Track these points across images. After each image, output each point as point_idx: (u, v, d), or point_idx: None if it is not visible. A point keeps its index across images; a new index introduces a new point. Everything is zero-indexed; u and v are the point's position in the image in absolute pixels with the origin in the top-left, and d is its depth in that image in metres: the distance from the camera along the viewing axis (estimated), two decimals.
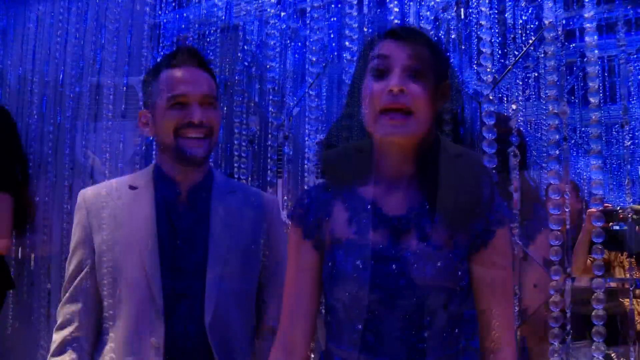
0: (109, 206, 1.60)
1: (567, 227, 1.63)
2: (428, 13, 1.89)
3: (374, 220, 1.22)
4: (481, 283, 1.24)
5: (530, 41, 1.76)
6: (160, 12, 2.91)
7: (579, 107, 3.64)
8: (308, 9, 2.16)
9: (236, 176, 2.27)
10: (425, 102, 1.19)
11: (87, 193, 1.65)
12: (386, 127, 1.18)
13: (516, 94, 2.02)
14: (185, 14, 2.92)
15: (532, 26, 2.27)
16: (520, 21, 2.31)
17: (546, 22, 1.68)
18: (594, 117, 1.59)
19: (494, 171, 1.63)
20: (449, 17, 2.19)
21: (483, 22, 1.79)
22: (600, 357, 1.52)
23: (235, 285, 1.60)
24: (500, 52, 2.04)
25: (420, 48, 1.20)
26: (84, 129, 3.18)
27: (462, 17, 2.33)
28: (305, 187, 1.59)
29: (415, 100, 1.17)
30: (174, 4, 2.88)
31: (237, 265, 1.60)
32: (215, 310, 1.54)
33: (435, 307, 1.17)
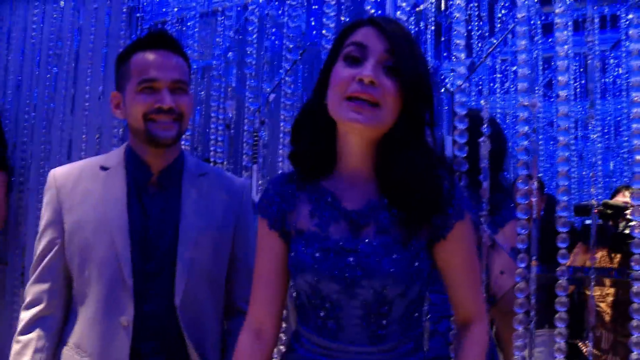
0: (80, 186, 1.58)
1: (534, 216, 1.67)
2: (404, 4, 1.91)
3: (334, 213, 1.23)
4: (446, 270, 1.28)
5: (501, 36, 1.79)
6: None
7: (556, 102, 3.68)
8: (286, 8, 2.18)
9: (212, 160, 2.28)
10: (394, 99, 1.16)
11: (57, 172, 1.63)
12: (349, 113, 1.15)
13: (492, 86, 2.06)
14: None
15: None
16: (500, 14, 2.34)
17: (518, 15, 1.72)
18: (561, 110, 1.63)
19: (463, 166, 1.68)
20: (427, 7, 2.22)
21: (457, 14, 1.82)
22: (562, 342, 1.57)
23: (206, 266, 1.60)
24: (479, 44, 2.07)
25: (399, 43, 1.16)
26: (62, 110, 3.15)
27: (441, 8, 2.36)
28: (272, 177, 1.59)
29: (384, 95, 1.15)
30: None
31: (208, 247, 1.61)
32: (185, 290, 1.55)
33: (393, 296, 1.18)
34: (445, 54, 1.95)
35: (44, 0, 3.37)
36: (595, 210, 1.64)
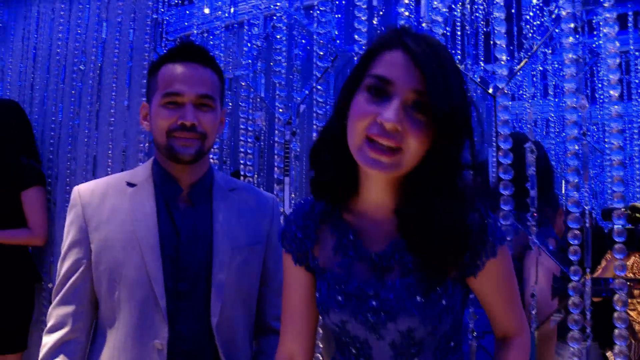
0: (107, 203, 1.52)
1: (587, 225, 1.57)
2: (440, 5, 1.83)
3: (356, 255, 1.16)
4: (481, 297, 1.20)
5: (540, 36, 1.71)
6: (163, 10, 2.85)
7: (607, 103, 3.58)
8: (315, 3, 2.11)
9: (242, 173, 2.21)
10: (420, 140, 1.03)
11: (81, 189, 1.57)
12: (368, 157, 1.04)
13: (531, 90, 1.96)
14: (188, 11, 2.87)
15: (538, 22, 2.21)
16: (528, 16, 2.25)
17: (563, 12, 1.62)
18: (614, 111, 1.53)
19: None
20: (461, 9, 2.13)
21: (497, 14, 1.73)
22: None
23: (239, 284, 1.54)
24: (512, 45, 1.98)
25: (433, 78, 1.01)
26: (87, 126, 3.12)
27: (471, 11, 2.28)
28: (294, 206, 1.50)
29: (408, 139, 1.02)
30: (177, 1, 2.82)
31: (240, 265, 1.55)
32: (222, 310, 1.49)
33: (422, 337, 1.11)
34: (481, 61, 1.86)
35: (69, 14, 3.36)
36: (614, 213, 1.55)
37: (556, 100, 2.75)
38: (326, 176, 1.16)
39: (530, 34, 1.89)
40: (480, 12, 2.10)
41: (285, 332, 1.29)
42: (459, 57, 1.88)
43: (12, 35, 3.78)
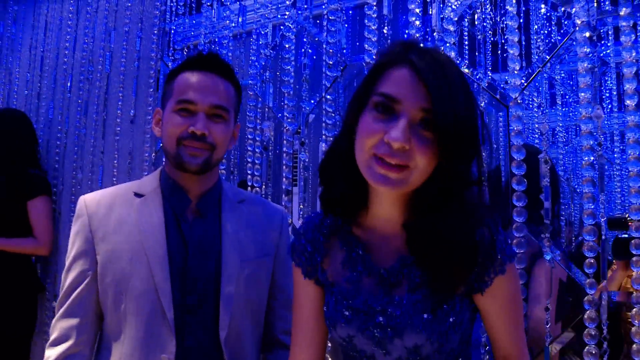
0: (114, 213, 1.50)
1: (603, 237, 1.53)
2: (452, 14, 1.81)
3: (365, 267, 1.15)
4: (485, 316, 1.16)
5: (553, 43, 1.68)
6: (170, 20, 2.84)
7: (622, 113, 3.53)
8: (325, 13, 2.09)
9: (249, 184, 2.18)
10: (428, 158, 1.02)
11: (88, 198, 1.54)
12: (376, 174, 1.03)
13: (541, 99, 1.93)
14: (194, 21, 2.86)
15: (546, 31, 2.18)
16: (536, 26, 2.22)
17: (578, 21, 1.60)
18: (631, 121, 1.50)
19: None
20: (469, 19, 2.11)
21: (510, 22, 1.71)
22: None
23: (247, 297, 1.51)
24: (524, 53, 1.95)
25: (440, 94, 1.00)
26: (93, 136, 3.11)
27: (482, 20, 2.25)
28: (304, 219, 1.47)
29: (416, 156, 1.02)
30: (184, 10, 2.81)
31: (249, 277, 1.52)
32: (230, 323, 1.46)
33: (428, 353, 1.09)
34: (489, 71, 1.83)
35: (76, 24, 3.36)
36: (630, 223, 1.51)
37: (564, 109, 2.71)
38: (335, 191, 1.16)
39: (539, 45, 1.87)
40: (488, 21, 2.08)
41: (295, 344, 1.27)
42: (465, 67, 1.85)
43: (20, 44, 3.79)
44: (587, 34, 1.54)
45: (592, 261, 1.50)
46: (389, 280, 1.12)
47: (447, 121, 0.99)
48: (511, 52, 1.68)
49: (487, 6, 2.09)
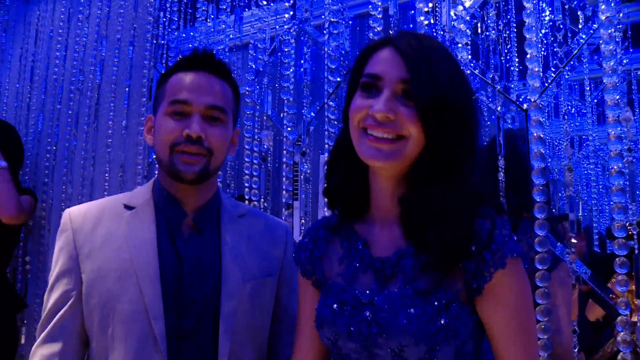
0: (101, 228, 1.37)
1: (636, 252, 1.40)
2: (464, 12, 1.69)
3: (363, 262, 1.11)
4: (488, 327, 1.03)
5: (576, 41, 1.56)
6: (164, 31, 2.74)
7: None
8: (325, 19, 1.97)
9: (247, 197, 2.05)
10: (418, 127, 1.03)
11: (73, 212, 1.41)
12: (369, 150, 1.05)
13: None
14: (191, 33, 2.76)
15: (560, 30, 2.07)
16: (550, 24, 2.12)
17: (602, 17, 1.48)
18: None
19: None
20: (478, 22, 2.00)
21: (527, 20, 1.59)
22: None
23: (249, 321, 1.37)
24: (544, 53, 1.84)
25: (417, 67, 1.03)
26: (83, 148, 2.99)
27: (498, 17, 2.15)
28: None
29: (404, 125, 1.03)
30: (177, 17, 2.71)
31: (251, 299, 1.38)
32: (231, 349, 1.32)
33: (416, 359, 1.00)
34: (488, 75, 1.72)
35: (67, 32, 3.26)
36: (630, 232, 1.41)
37: (578, 118, 2.63)
38: (337, 185, 1.18)
39: (554, 49, 1.76)
40: (496, 24, 1.98)
41: (296, 351, 1.25)
42: (475, 69, 1.73)
43: (10, 55, 3.70)
44: (610, 31, 1.42)
45: (624, 278, 1.37)
46: (383, 272, 1.07)
47: (424, 88, 1.02)
48: (529, 51, 1.56)
49: (490, 15, 1.99)
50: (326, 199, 1.21)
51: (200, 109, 1.34)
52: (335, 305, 1.09)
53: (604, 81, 1.47)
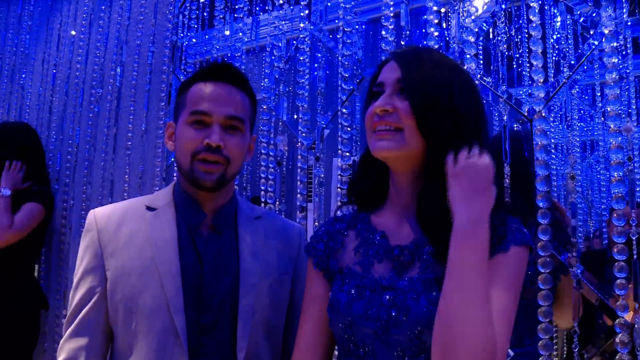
0: (124, 227, 1.44)
1: (635, 256, 1.46)
2: (472, 25, 1.75)
3: (379, 251, 1.17)
4: None
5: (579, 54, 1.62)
6: (182, 34, 2.81)
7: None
8: (340, 24, 2.04)
9: (263, 200, 2.12)
10: (413, 119, 1.13)
11: (98, 213, 1.48)
12: (375, 143, 1.16)
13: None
14: (207, 36, 2.83)
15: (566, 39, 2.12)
16: (555, 35, 2.16)
17: (605, 30, 1.54)
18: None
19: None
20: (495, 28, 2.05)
21: (533, 33, 1.65)
22: None
23: (266, 318, 1.44)
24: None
25: (409, 66, 1.17)
26: (104, 150, 3.07)
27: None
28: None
29: (401, 117, 1.14)
30: (196, 24, 2.78)
31: (268, 297, 1.44)
32: (249, 344, 1.38)
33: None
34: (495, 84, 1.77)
35: (88, 38, 3.34)
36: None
37: (580, 124, 2.66)
38: (360, 181, 1.29)
39: (557, 59, 1.82)
40: (502, 35, 2.03)
41: (298, 349, 1.25)
42: (481, 77, 1.79)
43: (33, 59, 3.78)
44: (613, 44, 1.48)
45: (623, 282, 1.43)
46: (400, 259, 1.14)
47: (413, 83, 1.14)
48: (535, 63, 1.62)
49: (501, 21, 2.04)
50: (347, 192, 1.32)
51: (219, 119, 1.41)
52: (353, 291, 1.13)
53: (606, 92, 1.53)
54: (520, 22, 2.37)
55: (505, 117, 1.72)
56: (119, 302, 1.39)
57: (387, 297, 1.09)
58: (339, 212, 1.36)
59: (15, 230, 2.81)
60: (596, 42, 1.58)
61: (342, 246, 1.24)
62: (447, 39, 1.90)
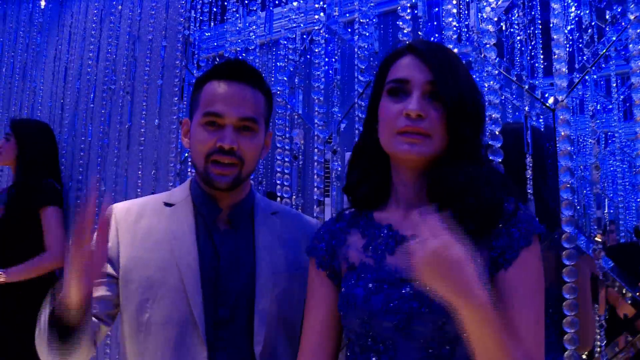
0: (143, 221, 1.45)
1: None
2: (492, 13, 1.72)
3: (390, 244, 1.15)
4: (503, 304, 1.04)
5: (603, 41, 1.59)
6: (195, 28, 2.79)
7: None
8: (356, 15, 2.01)
9: (279, 194, 2.10)
10: (442, 127, 1.13)
11: (117, 207, 1.48)
12: (402, 145, 1.12)
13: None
14: (220, 30, 2.80)
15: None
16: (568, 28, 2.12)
17: (631, 17, 1.50)
18: None
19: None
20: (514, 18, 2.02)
21: (555, 21, 1.61)
22: None
23: (283, 313, 1.43)
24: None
25: (442, 70, 1.14)
26: (117, 146, 3.07)
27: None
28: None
29: (433, 125, 1.12)
30: (208, 17, 2.76)
31: (284, 292, 1.44)
32: (265, 338, 1.38)
33: (456, 333, 1.02)
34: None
35: (100, 34, 3.33)
36: None
37: (604, 115, 2.62)
38: (359, 179, 1.24)
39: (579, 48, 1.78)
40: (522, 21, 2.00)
41: (302, 354, 1.22)
42: (502, 69, 1.75)
43: (45, 56, 3.78)
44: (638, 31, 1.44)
45: None
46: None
47: (449, 88, 1.12)
48: (557, 52, 1.59)
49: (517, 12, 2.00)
50: (346, 193, 1.28)
51: (232, 120, 1.40)
52: (370, 284, 1.10)
53: (632, 81, 1.50)
54: (533, 13, 2.33)
55: (526, 108, 1.69)
56: (133, 292, 1.39)
57: (407, 289, 1.06)
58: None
59: (55, 252, 2.83)
60: (613, 37, 1.55)
61: (345, 244, 1.22)
62: (466, 29, 1.86)
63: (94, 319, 1.34)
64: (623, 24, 1.62)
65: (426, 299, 1.03)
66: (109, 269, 1.41)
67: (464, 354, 1.01)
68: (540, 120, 1.90)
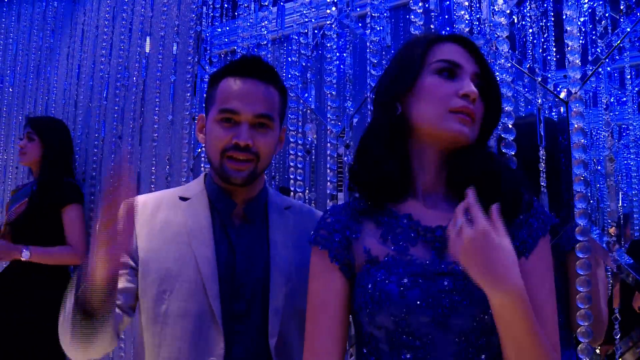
0: (160, 214, 1.46)
1: None
2: (504, 6, 1.71)
3: (410, 236, 1.12)
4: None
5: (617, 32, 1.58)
6: (207, 24, 2.80)
7: None
8: (368, 9, 2.01)
9: (292, 189, 2.11)
10: (481, 117, 1.17)
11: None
12: (455, 125, 1.12)
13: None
14: (232, 25, 2.81)
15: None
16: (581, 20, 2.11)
17: None
18: None
19: None
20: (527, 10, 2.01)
21: (568, 12, 1.60)
22: None
23: (297, 306, 1.43)
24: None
25: (487, 69, 1.20)
26: (130, 142, 3.09)
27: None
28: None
29: (478, 114, 1.16)
30: (220, 13, 2.77)
31: (298, 285, 1.43)
32: (280, 331, 1.39)
33: (493, 324, 1.00)
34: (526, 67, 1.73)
35: (112, 30, 3.35)
36: None
37: (618, 107, 2.61)
38: (374, 167, 1.16)
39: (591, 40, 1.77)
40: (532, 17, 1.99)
41: (313, 354, 1.16)
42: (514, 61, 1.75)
43: (58, 54, 3.81)
44: None
45: None
46: (442, 240, 1.09)
47: (493, 86, 1.18)
48: (570, 43, 1.58)
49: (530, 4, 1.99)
50: (356, 183, 1.20)
51: (248, 117, 1.41)
52: (404, 280, 1.06)
53: None
54: (545, 5, 2.33)
55: (539, 101, 1.68)
56: (151, 284, 1.40)
57: (446, 282, 1.05)
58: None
59: (80, 252, 2.87)
60: (628, 29, 1.54)
61: (361, 235, 1.16)
62: (478, 21, 1.86)
63: (117, 310, 1.34)
64: (638, 14, 1.61)
65: (466, 292, 1.03)
66: (130, 261, 1.43)
67: (498, 344, 1.02)
68: (553, 113, 1.89)
